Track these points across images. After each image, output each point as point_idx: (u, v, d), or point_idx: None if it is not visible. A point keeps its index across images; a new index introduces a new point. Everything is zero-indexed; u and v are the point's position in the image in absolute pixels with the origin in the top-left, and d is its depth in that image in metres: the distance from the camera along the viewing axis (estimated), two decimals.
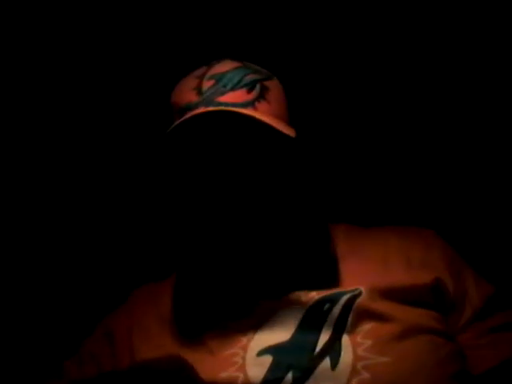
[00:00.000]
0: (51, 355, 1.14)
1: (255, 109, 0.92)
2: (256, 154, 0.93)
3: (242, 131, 0.91)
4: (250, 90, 0.93)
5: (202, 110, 0.90)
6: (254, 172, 0.92)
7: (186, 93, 0.95)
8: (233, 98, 0.92)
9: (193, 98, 0.93)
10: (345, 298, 0.92)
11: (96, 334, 1.06)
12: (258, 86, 0.94)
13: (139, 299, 1.07)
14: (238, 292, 0.97)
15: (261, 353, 0.89)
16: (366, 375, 0.85)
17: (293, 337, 0.90)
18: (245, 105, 0.91)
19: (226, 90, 0.92)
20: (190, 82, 0.96)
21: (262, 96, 0.93)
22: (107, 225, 1.35)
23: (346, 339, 0.88)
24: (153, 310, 1.02)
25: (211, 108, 0.89)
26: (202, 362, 0.91)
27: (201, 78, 0.95)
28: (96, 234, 1.34)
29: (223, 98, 0.92)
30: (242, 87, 0.93)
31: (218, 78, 0.94)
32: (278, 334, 0.91)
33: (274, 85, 0.97)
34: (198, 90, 0.93)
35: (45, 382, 1.05)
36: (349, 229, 1.06)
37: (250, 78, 0.94)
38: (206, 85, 0.93)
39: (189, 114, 0.90)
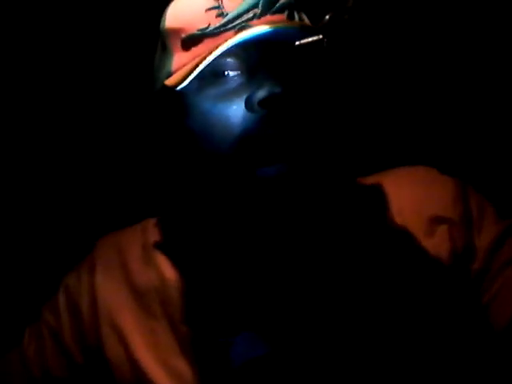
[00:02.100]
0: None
1: None
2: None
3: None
4: (290, 18, 0.72)
5: (244, 33, 0.67)
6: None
7: (196, 14, 0.72)
8: (274, 24, 0.69)
9: (211, 20, 0.71)
10: None
11: (58, 304, 0.86)
12: (295, 14, 0.73)
13: (104, 261, 0.85)
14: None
15: None
16: None
17: None
18: None
19: (261, 13, 0.70)
20: (198, 2, 0.73)
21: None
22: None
23: None
24: (122, 280, 0.83)
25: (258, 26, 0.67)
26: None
27: None
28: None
29: (260, 23, 0.69)
30: (279, 11, 0.71)
31: None
32: None
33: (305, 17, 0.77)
34: (219, 11, 0.71)
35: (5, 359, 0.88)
36: None
37: (283, 0, 0.72)
38: (230, 4, 0.71)
39: (231, 40, 0.66)
